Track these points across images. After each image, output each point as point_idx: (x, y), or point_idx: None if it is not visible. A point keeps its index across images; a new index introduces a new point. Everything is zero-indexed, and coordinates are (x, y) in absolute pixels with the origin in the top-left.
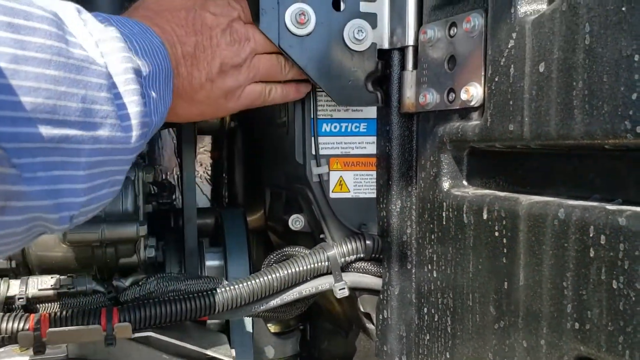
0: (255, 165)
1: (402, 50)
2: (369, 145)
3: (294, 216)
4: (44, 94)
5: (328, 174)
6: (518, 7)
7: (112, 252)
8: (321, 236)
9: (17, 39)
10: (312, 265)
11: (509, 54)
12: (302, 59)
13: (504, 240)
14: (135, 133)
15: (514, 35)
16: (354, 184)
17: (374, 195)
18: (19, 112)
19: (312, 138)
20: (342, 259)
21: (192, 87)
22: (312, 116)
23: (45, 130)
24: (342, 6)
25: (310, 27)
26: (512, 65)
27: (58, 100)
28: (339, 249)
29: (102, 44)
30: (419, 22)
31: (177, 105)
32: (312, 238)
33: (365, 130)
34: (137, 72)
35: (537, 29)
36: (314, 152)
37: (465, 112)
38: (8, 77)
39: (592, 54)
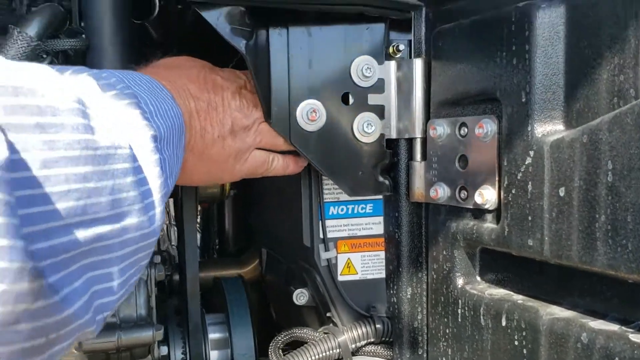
0: (252, 225)
1: (410, 140)
2: (375, 226)
3: (298, 291)
4: (74, 196)
5: (336, 257)
6: (535, 125)
7: (127, 356)
8: (327, 314)
9: (46, 140)
10: (324, 354)
11: (527, 170)
12: (313, 153)
13: (524, 351)
14: (158, 209)
15: (531, 153)
16: (362, 265)
17: (382, 276)
18: (52, 223)
19: (320, 222)
20: (353, 345)
21: (204, 142)
22: (319, 200)
23: (79, 235)
24: (351, 100)
25: (320, 122)
26: (530, 183)
27: (88, 198)
28: (349, 334)
29: (122, 115)
30: (427, 116)
31: (187, 160)
32: (315, 311)
33: (371, 211)
34: (155, 138)
35: (557, 153)
36: (321, 236)
37: (479, 212)
38: (39, 186)
39: (616, 192)
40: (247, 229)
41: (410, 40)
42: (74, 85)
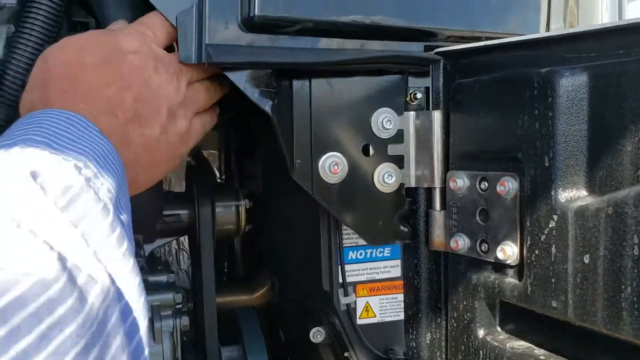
0: (263, 252)
1: (429, 189)
2: (393, 269)
3: (315, 330)
4: None
5: (355, 301)
6: (558, 189)
7: None
8: (345, 354)
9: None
10: None
11: (550, 234)
12: (334, 205)
13: None
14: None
15: (554, 217)
16: (380, 308)
17: (400, 318)
18: None
19: (339, 267)
20: None
21: (148, 149)
22: (338, 245)
23: None
24: (372, 151)
25: (342, 174)
26: (553, 246)
27: None
28: None
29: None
30: (446, 166)
31: (138, 174)
32: (331, 348)
33: (389, 254)
34: (116, 209)
35: (581, 220)
36: (341, 281)
37: (500, 266)
38: None
39: None
40: (258, 253)
41: (427, 88)
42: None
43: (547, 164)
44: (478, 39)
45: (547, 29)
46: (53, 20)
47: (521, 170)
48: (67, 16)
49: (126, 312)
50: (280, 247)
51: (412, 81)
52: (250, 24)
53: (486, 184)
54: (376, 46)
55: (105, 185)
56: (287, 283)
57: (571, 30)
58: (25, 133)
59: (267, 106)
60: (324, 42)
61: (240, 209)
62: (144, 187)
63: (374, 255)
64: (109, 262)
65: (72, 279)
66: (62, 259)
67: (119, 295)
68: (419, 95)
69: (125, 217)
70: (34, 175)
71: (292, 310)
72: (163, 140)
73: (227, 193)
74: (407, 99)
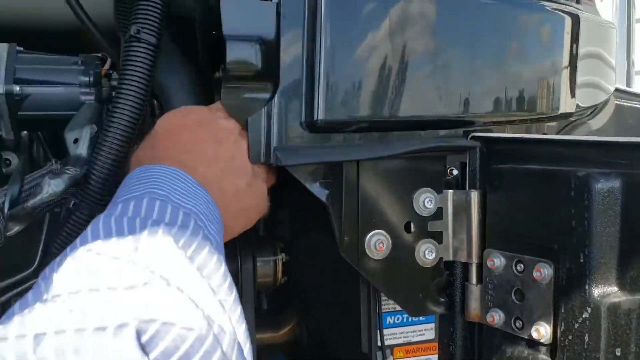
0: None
1: (466, 264)
2: (427, 331)
3: None
4: None
5: None
6: (592, 285)
7: None
8: None
9: None
10: None
11: (583, 324)
12: (378, 279)
13: None
14: None
15: (588, 309)
16: None
17: None
18: None
19: (378, 331)
20: None
21: (239, 198)
22: (377, 311)
23: None
24: (413, 228)
25: (386, 251)
26: (586, 335)
27: None
28: None
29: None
30: (483, 244)
31: (231, 221)
32: None
33: (424, 318)
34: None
35: (613, 317)
36: (379, 344)
37: (534, 343)
38: None
39: None
40: (284, 289)
41: (463, 163)
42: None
43: (582, 260)
44: (512, 122)
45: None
46: (136, 119)
47: (556, 259)
48: None
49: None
50: (309, 291)
51: (450, 158)
52: (313, 126)
53: (522, 266)
54: (421, 134)
55: (213, 236)
56: (316, 331)
57: (605, 139)
58: (147, 187)
59: (324, 197)
60: (376, 136)
61: (277, 262)
62: (238, 233)
63: (410, 320)
64: (230, 311)
65: (215, 333)
66: (205, 314)
67: (238, 344)
68: (455, 172)
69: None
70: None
71: None
72: (249, 192)
73: (266, 247)
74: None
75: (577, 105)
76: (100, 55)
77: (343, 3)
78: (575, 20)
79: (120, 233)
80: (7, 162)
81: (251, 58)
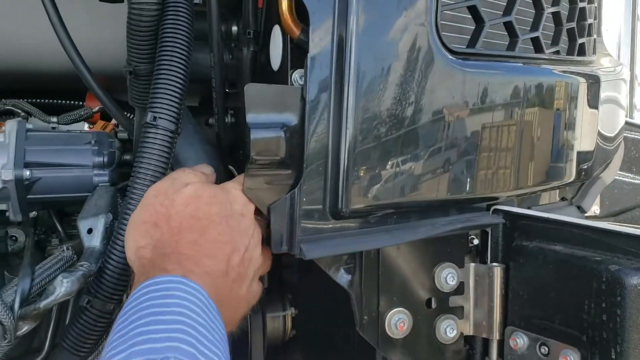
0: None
1: (487, 339)
2: None
3: None
4: None
5: None
6: None
7: None
8: None
9: None
10: None
11: None
12: (399, 356)
13: None
14: None
15: None
16: None
17: None
18: None
19: None
20: None
21: (239, 303)
22: None
23: None
24: (434, 304)
25: (407, 330)
26: None
27: None
28: None
29: None
30: (504, 321)
31: (234, 319)
32: None
33: None
34: None
35: None
36: None
37: None
38: None
39: None
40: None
41: (485, 232)
42: None
43: (613, 357)
44: (533, 192)
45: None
46: None
47: (585, 349)
48: None
49: None
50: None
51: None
52: (338, 215)
53: (546, 349)
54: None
55: None
56: None
57: (632, 232)
58: (170, 331)
59: (346, 283)
60: (401, 221)
61: (287, 318)
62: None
63: None
64: None
65: None
66: None
67: None
68: (475, 241)
69: None
70: None
71: None
72: (246, 297)
73: (275, 302)
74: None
75: (595, 165)
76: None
77: (371, 93)
78: (596, 81)
79: None
80: (14, 238)
81: (275, 146)
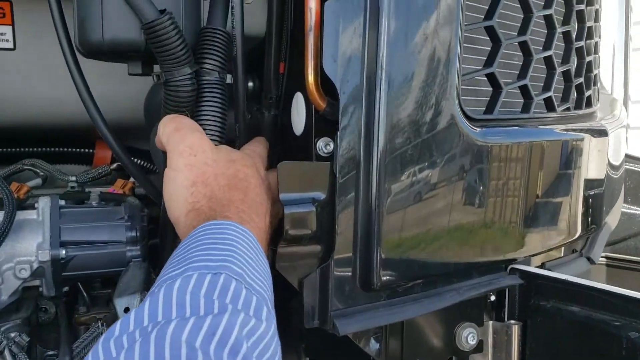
0: None
1: None
2: None
3: None
4: None
5: None
6: None
7: None
8: None
9: None
10: None
11: None
12: None
13: None
14: None
15: None
16: None
17: None
18: None
19: None
20: None
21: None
22: None
23: None
24: None
25: None
26: None
27: None
28: None
29: None
30: None
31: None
32: None
33: None
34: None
35: None
36: None
37: None
38: None
39: None
40: None
41: (503, 290)
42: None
43: None
44: (550, 249)
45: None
46: None
47: None
48: None
49: None
50: None
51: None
52: (370, 288)
53: None
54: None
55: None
56: None
57: None
58: (223, 256)
59: (375, 352)
60: (427, 288)
61: None
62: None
63: None
64: None
65: None
66: None
67: None
68: (492, 298)
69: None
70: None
71: None
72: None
73: (289, 353)
74: None
75: (603, 216)
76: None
77: (399, 169)
78: (603, 135)
79: (195, 311)
80: (44, 310)
81: (307, 220)
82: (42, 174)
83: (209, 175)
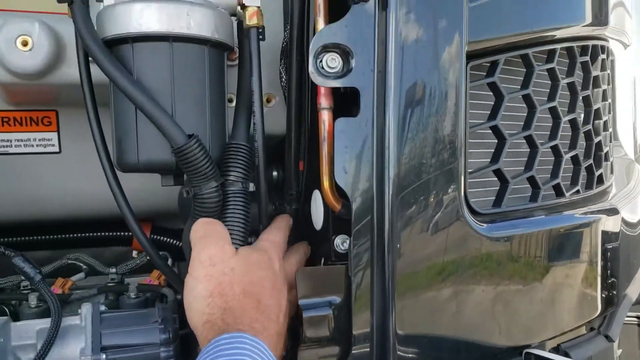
0: None
1: None
2: None
3: None
4: None
5: None
6: None
7: None
8: None
9: None
10: None
11: None
12: None
13: None
14: None
15: None
16: None
17: None
18: None
19: None
20: None
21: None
22: None
23: None
24: None
25: None
26: None
27: None
28: None
29: None
30: None
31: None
32: None
33: None
34: None
35: None
36: None
37: None
38: None
39: None
40: None
41: None
42: None
43: None
44: (565, 332)
45: None
46: None
47: None
48: None
49: None
50: None
51: None
52: None
53: None
54: None
55: None
56: None
57: None
58: None
59: None
60: None
61: None
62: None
63: None
64: None
65: None
66: None
67: None
68: None
69: None
70: None
71: None
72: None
73: None
74: None
75: (620, 294)
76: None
77: (411, 269)
78: (615, 213)
79: None
80: None
81: (325, 323)
82: (84, 267)
83: (225, 285)
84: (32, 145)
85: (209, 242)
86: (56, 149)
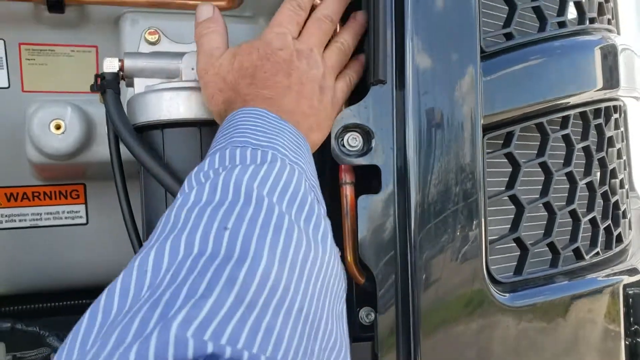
0: None
1: None
2: None
3: None
4: None
5: None
6: None
7: None
8: None
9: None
10: None
11: None
12: None
13: None
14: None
15: None
16: None
17: None
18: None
19: None
20: None
21: (314, 116)
22: None
23: None
24: None
25: None
26: None
27: None
28: None
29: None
30: None
31: (311, 137)
32: None
33: None
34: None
35: None
36: None
37: None
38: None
39: None
40: None
41: None
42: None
43: None
44: None
45: None
46: None
47: None
48: None
49: None
50: None
51: None
52: None
53: None
54: None
55: (297, 162)
56: None
57: None
58: (228, 137)
59: None
60: None
61: None
62: (316, 147)
63: None
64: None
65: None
66: None
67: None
68: None
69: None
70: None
71: None
72: (321, 108)
73: None
74: None
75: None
76: None
77: (434, 346)
78: (635, 273)
79: (202, 186)
80: None
81: None
82: None
83: (219, 82)
84: (61, 218)
85: (199, 55)
86: (83, 220)
